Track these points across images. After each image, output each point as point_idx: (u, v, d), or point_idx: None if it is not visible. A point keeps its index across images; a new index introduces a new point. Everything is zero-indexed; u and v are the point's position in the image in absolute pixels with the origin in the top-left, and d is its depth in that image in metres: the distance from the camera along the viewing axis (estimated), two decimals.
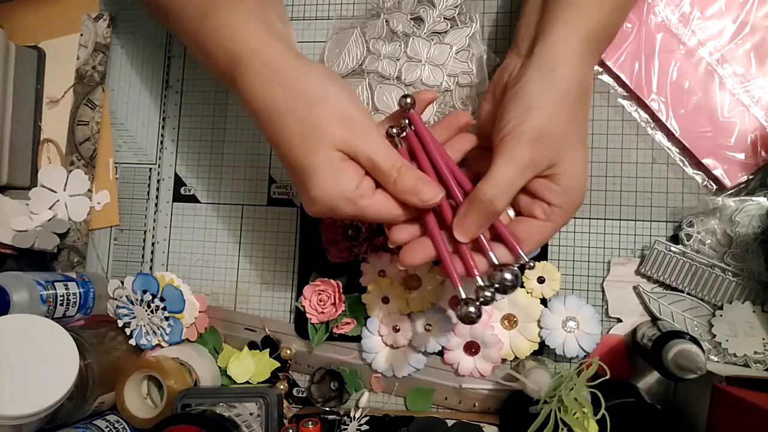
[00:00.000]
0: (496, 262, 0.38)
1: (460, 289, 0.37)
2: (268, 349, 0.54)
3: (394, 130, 0.41)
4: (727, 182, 0.47)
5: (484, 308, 0.49)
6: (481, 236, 0.38)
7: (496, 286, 0.37)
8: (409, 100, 0.40)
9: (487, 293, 0.37)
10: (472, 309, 0.37)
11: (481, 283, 0.37)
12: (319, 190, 0.37)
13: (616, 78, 0.49)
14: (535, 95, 0.36)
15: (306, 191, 0.38)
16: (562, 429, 0.39)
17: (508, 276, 0.37)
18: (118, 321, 0.53)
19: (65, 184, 0.58)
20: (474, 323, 0.37)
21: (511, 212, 0.40)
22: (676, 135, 0.48)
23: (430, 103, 0.43)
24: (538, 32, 0.39)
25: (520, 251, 0.38)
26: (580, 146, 0.38)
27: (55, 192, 0.58)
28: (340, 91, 0.39)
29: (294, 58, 0.39)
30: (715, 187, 0.48)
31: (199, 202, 0.57)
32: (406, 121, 0.41)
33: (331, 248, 0.53)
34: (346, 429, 0.48)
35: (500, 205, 0.36)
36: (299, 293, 0.53)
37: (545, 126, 0.36)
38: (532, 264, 0.39)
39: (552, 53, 0.37)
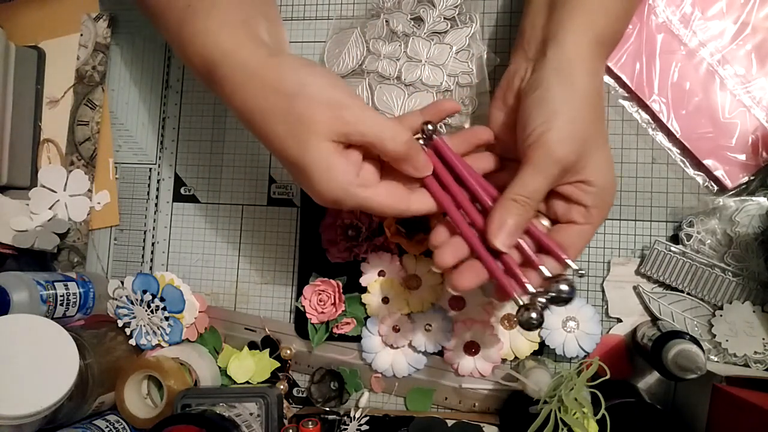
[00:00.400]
0: (549, 275, 0.37)
1: (517, 296, 0.36)
2: (268, 349, 0.54)
3: (427, 129, 0.39)
4: (728, 183, 0.47)
5: (485, 308, 0.50)
6: (528, 250, 0.37)
7: (552, 295, 0.36)
8: (430, 126, 0.39)
9: (542, 299, 0.36)
10: (534, 315, 0.35)
11: (533, 290, 0.36)
12: (319, 186, 0.37)
13: (617, 79, 0.49)
14: (557, 101, 0.36)
15: (308, 188, 0.38)
16: (562, 429, 0.39)
17: (564, 287, 0.36)
18: (118, 321, 0.53)
19: (65, 184, 0.58)
20: (535, 330, 0.36)
21: (545, 222, 0.39)
22: (677, 136, 0.48)
23: (450, 113, 0.42)
24: (548, 36, 0.38)
25: (567, 260, 0.37)
26: (605, 146, 0.38)
27: (55, 192, 0.58)
28: (317, 77, 0.37)
29: (266, 55, 0.38)
30: (716, 188, 0.48)
31: (199, 202, 0.57)
32: (430, 128, 0.39)
33: (331, 248, 0.52)
34: (346, 429, 0.48)
35: (530, 211, 0.36)
36: (299, 293, 0.53)
37: (571, 131, 0.35)
38: (582, 271, 0.38)
39: (567, 58, 0.37)
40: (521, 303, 0.36)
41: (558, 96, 0.36)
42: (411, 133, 0.39)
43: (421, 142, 0.40)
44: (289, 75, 0.37)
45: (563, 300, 0.36)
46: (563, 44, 0.37)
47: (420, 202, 0.39)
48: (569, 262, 0.37)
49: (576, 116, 0.36)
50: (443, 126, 0.51)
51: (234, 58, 0.38)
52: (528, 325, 0.36)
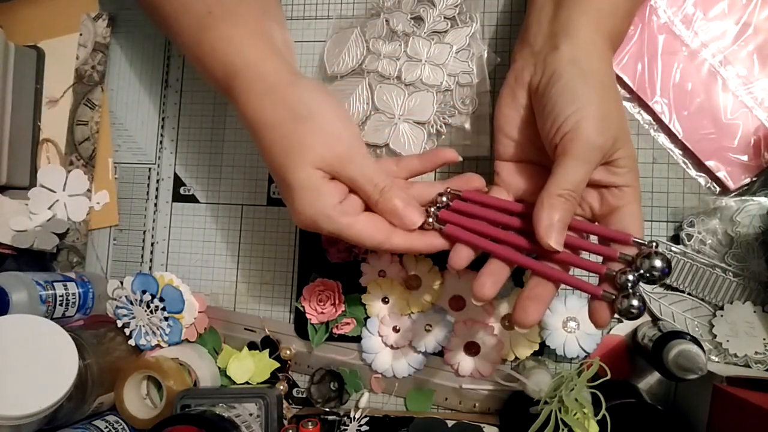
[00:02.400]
0: (631, 255, 0.35)
1: (607, 292, 0.34)
2: (267, 350, 0.54)
3: (441, 201, 0.40)
4: (731, 184, 0.47)
5: (485, 308, 0.50)
6: (592, 244, 0.36)
7: (643, 273, 0.34)
8: (444, 198, 0.39)
9: (630, 276, 0.33)
10: (635, 302, 0.33)
11: (614, 272, 0.34)
12: (301, 206, 0.38)
13: (619, 80, 0.49)
14: (583, 91, 0.36)
15: (290, 205, 0.39)
16: (563, 429, 0.39)
17: (657, 263, 0.33)
18: (118, 321, 0.53)
19: (64, 184, 0.58)
20: (638, 318, 0.33)
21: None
22: (679, 137, 0.48)
23: (480, 187, 0.42)
24: (557, 30, 0.38)
25: (634, 237, 0.35)
26: (627, 126, 0.38)
27: (55, 192, 0.58)
28: (329, 109, 0.39)
29: (288, 73, 0.40)
30: (718, 189, 0.47)
31: (198, 202, 0.57)
32: (444, 199, 0.39)
33: (331, 248, 0.52)
34: (346, 429, 0.48)
35: (575, 205, 0.35)
36: (299, 293, 0.53)
37: (604, 117, 0.35)
38: (654, 242, 0.35)
39: (584, 50, 0.37)
40: (613, 296, 0.34)
41: (582, 86, 0.36)
42: (400, 190, 0.40)
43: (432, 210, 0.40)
44: (305, 99, 0.39)
45: (659, 277, 0.33)
46: (577, 38, 0.37)
47: (402, 238, 0.39)
48: (637, 239, 0.35)
49: (604, 103, 0.36)
50: (443, 126, 0.51)
51: (257, 69, 0.39)
52: (629, 315, 0.33)
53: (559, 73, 0.36)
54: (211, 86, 0.43)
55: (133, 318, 0.53)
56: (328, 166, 0.38)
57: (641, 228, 0.37)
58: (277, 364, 0.53)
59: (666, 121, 0.48)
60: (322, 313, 0.52)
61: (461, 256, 0.38)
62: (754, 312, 0.46)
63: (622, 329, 0.49)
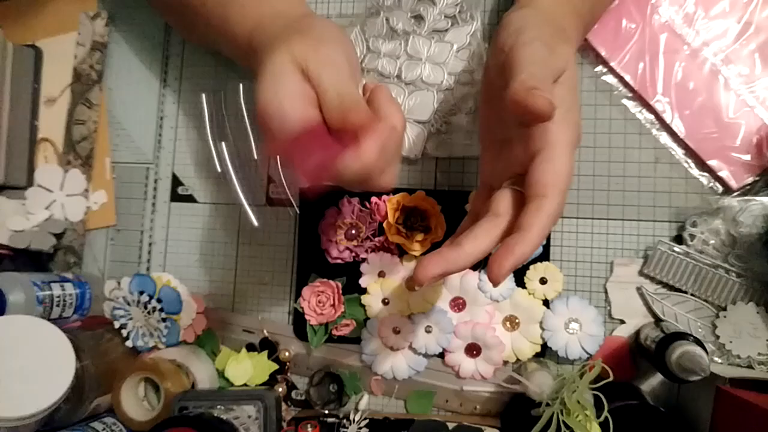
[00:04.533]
0: None
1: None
2: (266, 351, 0.53)
3: None
4: (733, 184, 0.46)
5: (487, 309, 0.49)
6: None
7: None
8: None
9: None
10: None
11: None
12: (265, 90, 0.35)
13: (620, 79, 0.49)
14: (520, 19, 0.36)
15: (256, 96, 0.36)
16: None
17: None
18: (115, 322, 0.53)
19: (62, 184, 0.57)
20: None
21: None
22: (681, 136, 0.47)
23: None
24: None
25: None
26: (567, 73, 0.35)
27: (52, 192, 0.57)
28: (332, 26, 0.41)
29: (305, 8, 0.44)
30: (720, 188, 0.47)
31: (196, 202, 0.56)
32: None
33: (331, 249, 0.52)
34: None
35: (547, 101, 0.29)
36: (298, 294, 0.53)
37: (541, 26, 0.36)
38: None
39: (539, 7, 0.39)
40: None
41: (525, 21, 0.36)
42: (362, 102, 0.36)
43: None
44: (314, 20, 0.41)
45: None
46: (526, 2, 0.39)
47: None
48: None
49: (540, 22, 0.36)
50: (443, 125, 0.51)
51: (281, 15, 0.42)
52: None
53: (504, 25, 0.37)
54: (232, 53, 0.45)
55: (131, 319, 0.52)
56: (303, 61, 0.36)
57: (555, 175, 0.31)
58: (275, 366, 0.53)
59: (668, 120, 0.47)
60: (321, 314, 0.51)
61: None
62: (758, 313, 0.45)
63: (625, 330, 0.48)
